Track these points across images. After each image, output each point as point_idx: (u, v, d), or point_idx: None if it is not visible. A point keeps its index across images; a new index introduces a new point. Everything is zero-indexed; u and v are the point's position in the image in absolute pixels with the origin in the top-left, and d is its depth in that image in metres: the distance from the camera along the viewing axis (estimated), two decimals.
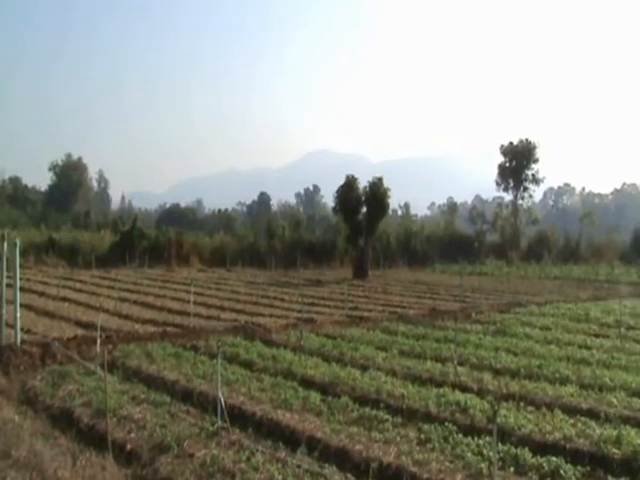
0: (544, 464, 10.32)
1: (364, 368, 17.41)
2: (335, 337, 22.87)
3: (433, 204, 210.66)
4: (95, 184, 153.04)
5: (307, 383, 15.72)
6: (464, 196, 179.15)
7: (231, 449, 10.91)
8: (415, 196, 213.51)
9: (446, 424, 12.20)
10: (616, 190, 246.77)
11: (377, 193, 55.39)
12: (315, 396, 14.30)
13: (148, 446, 11.11)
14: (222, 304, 32.28)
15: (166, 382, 15.76)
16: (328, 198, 61.42)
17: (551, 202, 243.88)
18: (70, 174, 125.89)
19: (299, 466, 10.13)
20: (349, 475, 9.97)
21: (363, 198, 55.83)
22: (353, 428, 12.20)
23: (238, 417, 12.89)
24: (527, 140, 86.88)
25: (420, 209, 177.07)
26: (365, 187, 56.04)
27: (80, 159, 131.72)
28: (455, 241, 78.88)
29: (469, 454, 10.75)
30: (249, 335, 23.03)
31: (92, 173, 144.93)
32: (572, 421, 12.54)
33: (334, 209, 60.11)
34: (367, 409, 13.31)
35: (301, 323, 23.65)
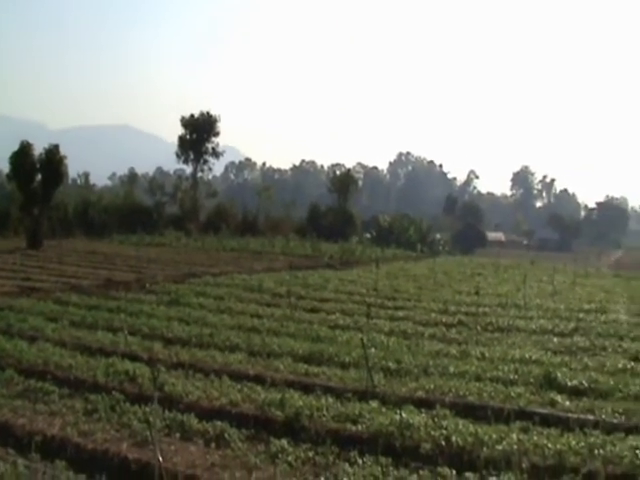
0: (210, 429, 10.68)
1: (32, 339, 16.83)
2: (3, 308, 21.83)
3: (114, 174, 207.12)
4: None
5: None
6: (146, 167, 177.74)
7: None
8: (97, 166, 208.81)
9: (114, 393, 12.20)
10: (295, 166, 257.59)
11: (53, 161, 53.48)
12: None
13: None
14: None
15: None
16: (3, 165, 58.79)
17: (232, 176, 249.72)
18: None
19: None
20: (11, 450, 9.64)
21: (38, 166, 53.75)
22: (17, 401, 11.88)
23: None
24: (208, 113, 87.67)
25: (101, 179, 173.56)
26: (41, 154, 53.98)
27: None
28: (134, 212, 77.92)
29: (135, 422, 10.85)
30: None
31: None
32: (239, 387, 13.00)
33: (8, 176, 57.22)
34: (33, 381, 12.95)
35: None
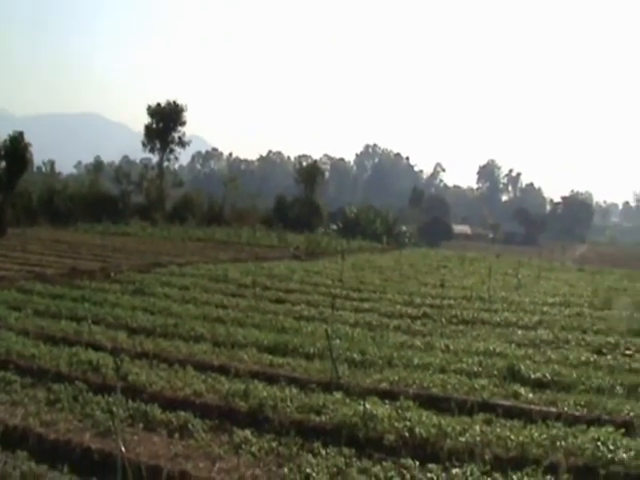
0: (173, 419, 10.61)
1: None
2: None
3: (80, 163, 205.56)
4: None
5: None
6: (113, 156, 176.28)
7: None
8: (63, 154, 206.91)
9: (77, 383, 12.07)
10: (262, 157, 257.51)
11: (17, 148, 53.05)
12: None
13: None
14: None
15: None
16: None
17: (199, 166, 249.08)
18: None
19: None
20: None
21: (2, 153, 53.23)
22: None
23: None
24: (175, 102, 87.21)
25: (67, 167, 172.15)
26: (5, 141, 53.45)
27: None
28: (100, 201, 77.24)
29: (98, 412, 10.73)
30: None
31: None
32: (203, 377, 12.90)
33: None
34: None
35: None
